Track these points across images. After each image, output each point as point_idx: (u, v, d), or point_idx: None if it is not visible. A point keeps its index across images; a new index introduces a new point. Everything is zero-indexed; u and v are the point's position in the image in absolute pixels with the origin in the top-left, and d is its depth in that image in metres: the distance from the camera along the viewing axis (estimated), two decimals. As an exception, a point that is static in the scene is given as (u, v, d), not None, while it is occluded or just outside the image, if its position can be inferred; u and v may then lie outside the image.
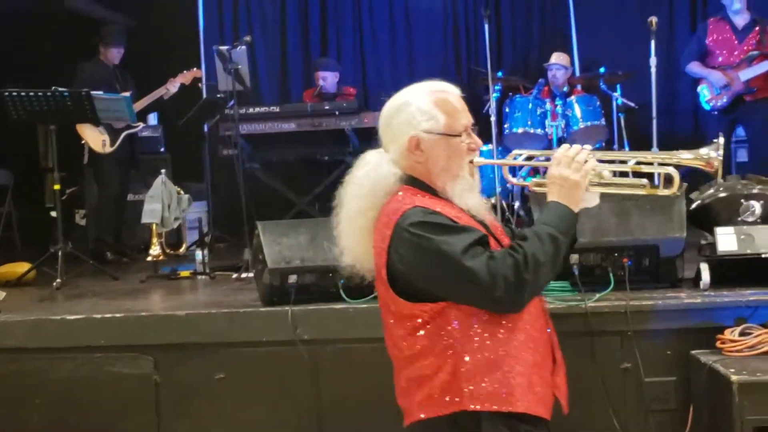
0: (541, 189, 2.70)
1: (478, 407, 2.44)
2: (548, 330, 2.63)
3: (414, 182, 2.60)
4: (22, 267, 5.81)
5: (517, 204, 7.11)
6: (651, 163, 2.68)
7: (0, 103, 5.74)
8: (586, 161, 2.56)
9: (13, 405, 4.29)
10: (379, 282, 2.61)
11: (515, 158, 2.87)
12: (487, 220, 2.61)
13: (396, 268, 2.51)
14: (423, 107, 2.59)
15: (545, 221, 2.51)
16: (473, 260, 2.38)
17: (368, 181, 2.61)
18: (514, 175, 7.29)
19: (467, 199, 2.57)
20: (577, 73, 8.53)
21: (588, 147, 2.61)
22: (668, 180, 2.66)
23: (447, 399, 2.47)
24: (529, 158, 2.92)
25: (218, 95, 7.14)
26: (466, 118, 2.63)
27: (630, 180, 2.69)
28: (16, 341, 4.32)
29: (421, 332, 2.50)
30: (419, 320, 2.50)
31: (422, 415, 2.51)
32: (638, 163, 2.68)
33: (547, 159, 2.70)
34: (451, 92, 2.65)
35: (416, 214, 2.47)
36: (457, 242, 2.40)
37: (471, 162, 2.63)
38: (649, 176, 2.71)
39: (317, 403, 4.15)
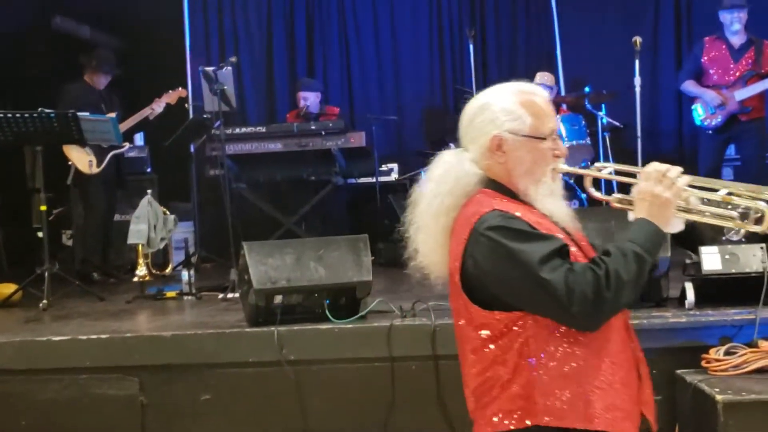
0: (622, 206, 2.57)
1: (552, 423, 2.33)
2: (632, 344, 2.49)
3: (493, 184, 2.49)
4: (8, 288, 5.79)
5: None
6: (740, 195, 2.47)
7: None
8: (674, 183, 2.41)
9: (2, 426, 4.27)
10: (453, 288, 2.49)
11: (600, 170, 2.67)
12: (570, 228, 2.49)
13: (470, 274, 2.40)
14: (508, 107, 2.48)
15: (631, 238, 2.35)
16: (551, 272, 2.25)
17: (450, 179, 2.50)
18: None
19: (549, 204, 2.46)
20: (563, 93, 8.58)
21: (679, 168, 2.45)
22: (760, 215, 2.45)
23: (519, 413, 2.35)
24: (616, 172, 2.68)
25: (204, 116, 7.14)
26: (553, 123, 2.51)
27: (719, 210, 2.49)
28: (1, 362, 4.30)
29: (495, 341, 2.38)
30: (493, 328, 2.38)
31: (491, 430, 2.40)
32: (729, 194, 2.47)
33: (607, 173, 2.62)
34: (539, 94, 2.54)
35: (494, 218, 2.35)
36: (535, 251, 2.28)
37: (554, 169, 2.50)
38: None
39: (303, 424, 4.15)
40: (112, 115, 6.76)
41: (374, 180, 7.82)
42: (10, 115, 5.74)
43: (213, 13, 9.19)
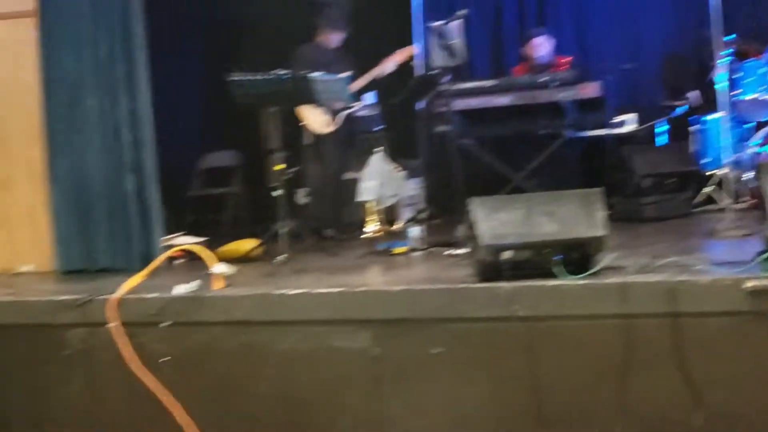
0: None
1: None
2: None
3: None
4: (248, 244, 6.07)
5: (748, 175, 6.68)
6: None
7: (227, 88, 5.96)
8: None
9: (243, 375, 4.48)
10: None
11: None
12: None
13: None
14: None
15: None
16: None
17: None
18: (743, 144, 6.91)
19: None
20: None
21: None
22: None
23: None
24: None
25: (432, 71, 7.13)
26: None
27: None
28: (243, 314, 4.50)
29: None
30: None
31: None
32: None
33: None
34: None
35: None
36: None
37: None
38: None
39: (534, 381, 4.07)
40: (346, 74, 6.87)
41: (608, 132, 7.56)
42: (248, 78, 5.95)
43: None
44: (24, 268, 6.08)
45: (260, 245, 6.02)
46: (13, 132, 6.13)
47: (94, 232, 5.86)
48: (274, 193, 5.85)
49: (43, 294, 4.87)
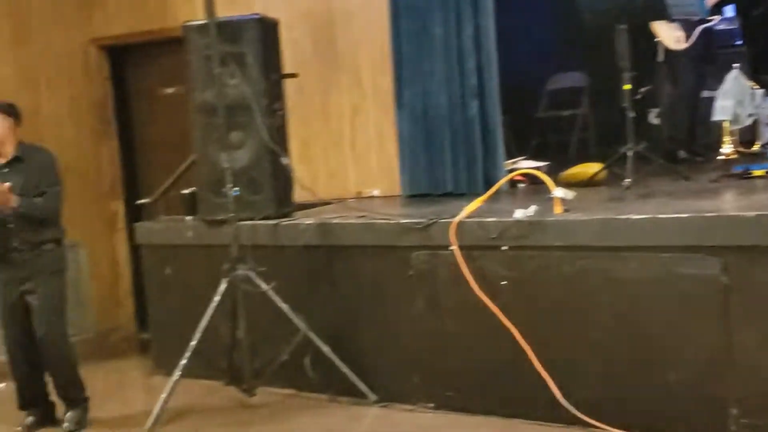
0: None
1: None
2: None
3: None
4: (593, 167, 5.93)
5: None
6: None
7: (576, 7, 5.82)
8: None
9: (581, 301, 4.43)
10: None
11: None
12: None
13: None
14: None
15: None
16: None
17: None
18: None
19: None
20: None
21: None
22: None
23: None
24: None
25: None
26: None
27: None
28: (584, 240, 4.42)
29: None
30: None
31: None
32: None
33: None
34: None
35: None
36: None
37: None
38: None
39: None
40: (708, -12, 6.47)
41: None
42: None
43: None
44: (373, 192, 6.41)
45: (603, 168, 5.86)
46: (364, 61, 6.44)
47: (438, 158, 6.04)
48: (625, 114, 5.66)
49: (390, 217, 5.08)
